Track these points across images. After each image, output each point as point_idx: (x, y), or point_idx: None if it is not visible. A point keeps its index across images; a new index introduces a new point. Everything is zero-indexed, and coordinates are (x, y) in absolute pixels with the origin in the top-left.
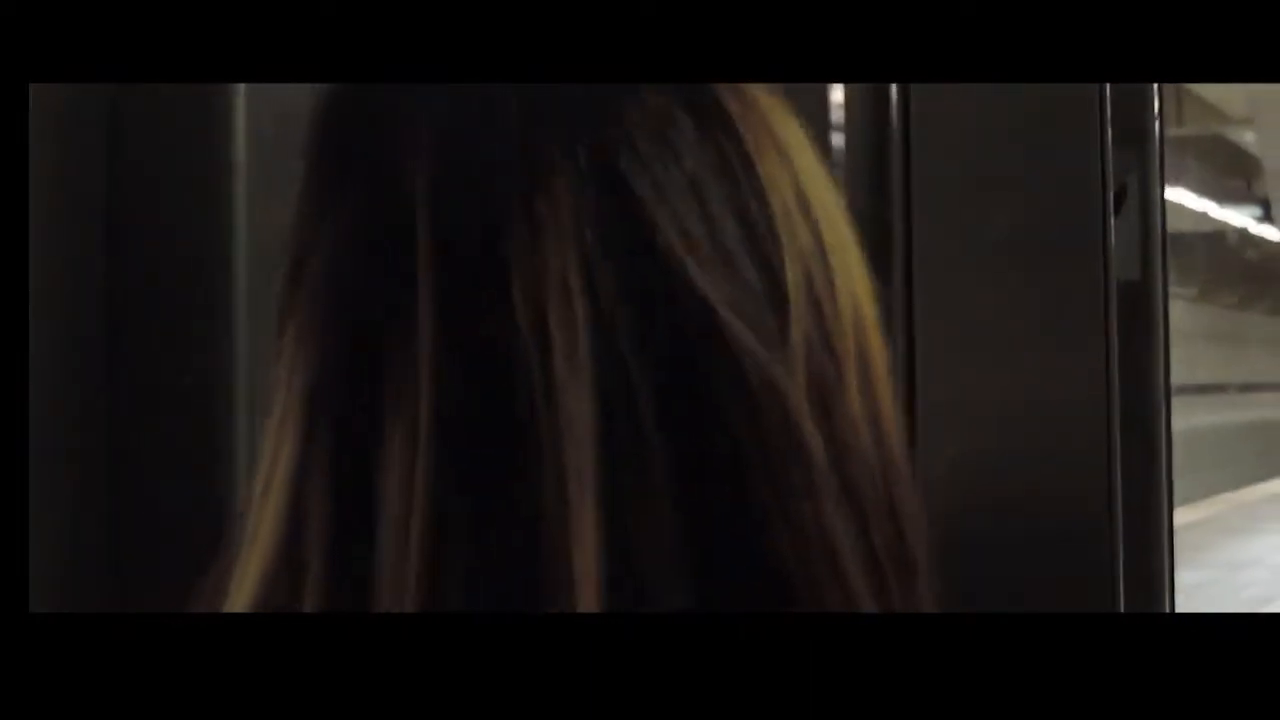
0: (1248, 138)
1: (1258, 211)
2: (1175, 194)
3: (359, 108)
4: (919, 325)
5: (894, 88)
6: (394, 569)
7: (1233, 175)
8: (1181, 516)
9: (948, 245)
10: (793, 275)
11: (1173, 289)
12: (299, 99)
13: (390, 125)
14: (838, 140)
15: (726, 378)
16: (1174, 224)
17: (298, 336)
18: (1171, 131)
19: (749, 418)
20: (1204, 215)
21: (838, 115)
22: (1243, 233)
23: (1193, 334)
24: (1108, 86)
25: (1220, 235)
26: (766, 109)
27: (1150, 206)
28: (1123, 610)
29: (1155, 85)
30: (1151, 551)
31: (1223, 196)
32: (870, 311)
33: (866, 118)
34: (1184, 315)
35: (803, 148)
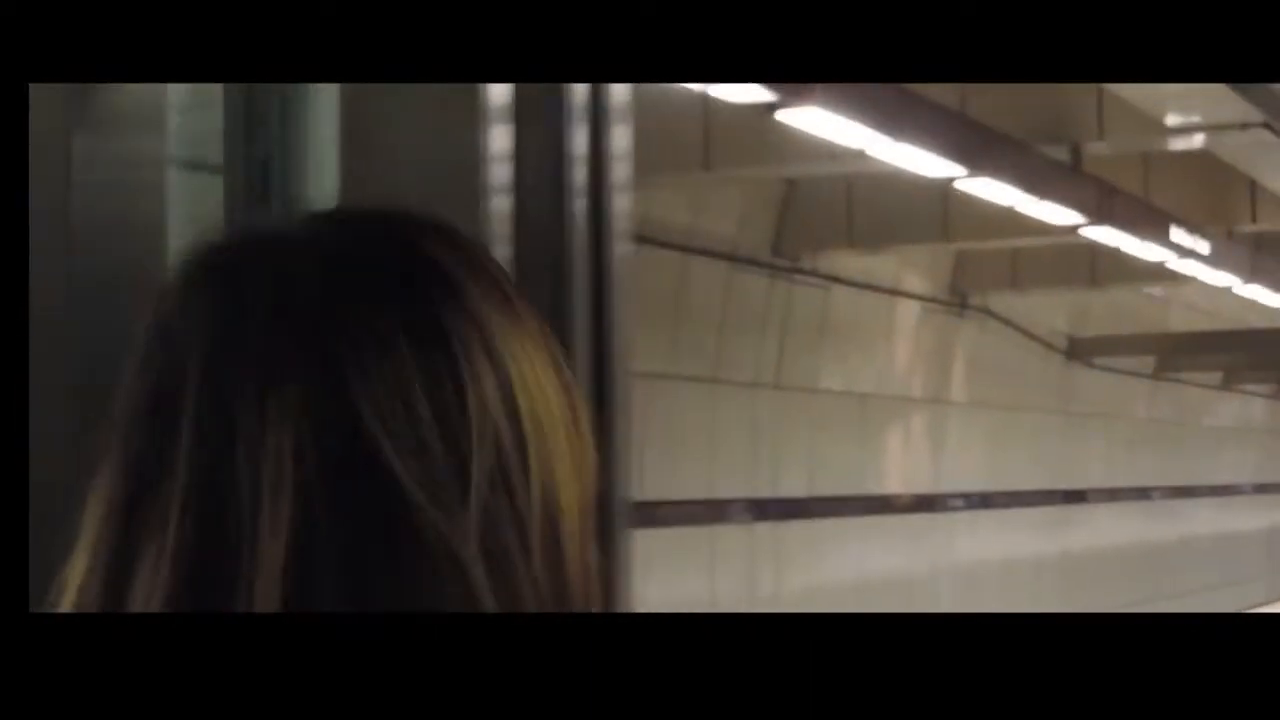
0: None
1: None
2: (1251, 291)
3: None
4: None
5: None
6: None
7: None
8: None
9: None
10: (479, 461)
11: (1252, 386)
12: None
13: (179, 328)
14: None
15: (409, 540)
16: (1252, 320)
17: (103, 468)
18: (1246, 228)
19: (427, 573)
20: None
21: None
22: None
23: (1273, 430)
24: None
25: None
26: (495, 332)
27: None
28: None
29: None
30: None
31: None
32: (567, 493)
33: None
34: (1263, 413)
35: (528, 361)
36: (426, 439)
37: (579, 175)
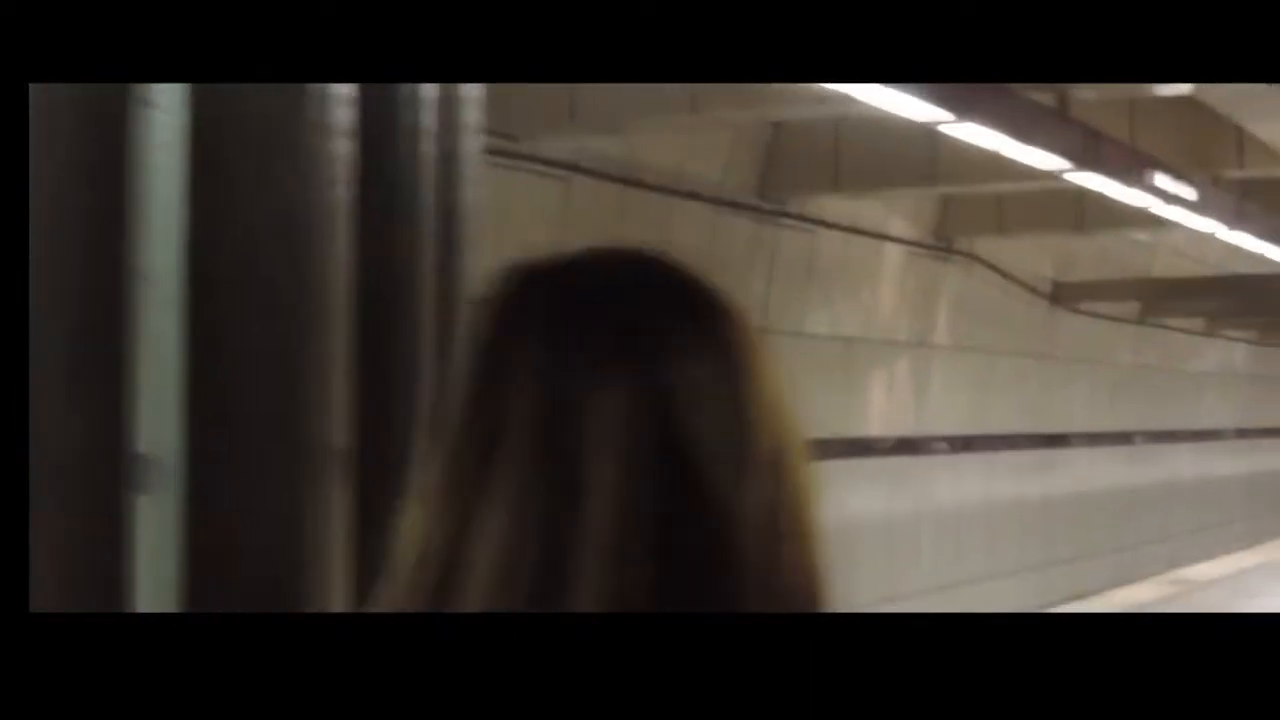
0: None
1: None
2: (1237, 237)
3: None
4: None
5: None
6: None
7: None
8: (1241, 561)
9: None
10: (753, 449)
11: (1232, 333)
12: None
13: (517, 328)
14: None
15: (698, 498)
16: (1235, 267)
17: (434, 442)
18: (1232, 174)
19: (707, 528)
20: (1263, 258)
21: None
22: None
23: (1255, 376)
24: None
25: None
26: (757, 353)
27: None
28: None
29: None
30: None
31: None
32: (810, 498)
33: None
34: (1245, 359)
35: (773, 377)
36: (718, 424)
37: (428, 119)
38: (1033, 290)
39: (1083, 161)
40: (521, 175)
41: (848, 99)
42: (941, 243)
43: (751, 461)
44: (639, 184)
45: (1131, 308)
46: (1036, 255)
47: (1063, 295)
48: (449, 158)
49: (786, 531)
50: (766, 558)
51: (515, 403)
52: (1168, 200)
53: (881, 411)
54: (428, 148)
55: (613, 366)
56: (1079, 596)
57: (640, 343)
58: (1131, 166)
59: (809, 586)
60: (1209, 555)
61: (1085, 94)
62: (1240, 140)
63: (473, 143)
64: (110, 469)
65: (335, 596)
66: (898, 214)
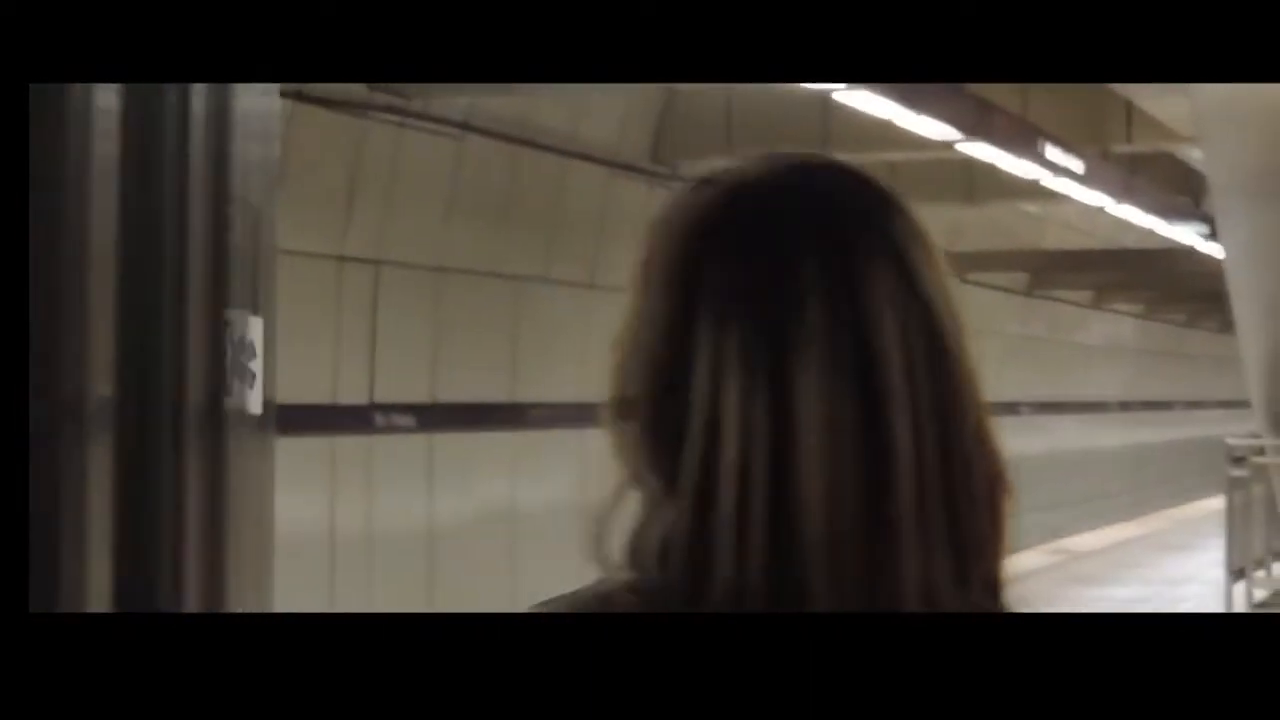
0: (1194, 155)
1: (1204, 229)
2: (1124, 211)
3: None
4: None
5: None
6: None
7: (1180, 192)
8: (1122, 532)
9: None
10: (949, 337)
11: (1120, 306)
12: None
13: (786, 226)
14: None
15: (949, 353)
16: (1123, 241)
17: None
18: (1120, 148)
19: (957, 372)
20: (1151, 233)
21: None
22: (1189, 250)
23: (1141, 350)
24: None
25: (1168, 252)
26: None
27: None
28: None
29: None
30: None
31: (1170, 214)
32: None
33: None
34: (1132, 332)
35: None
36: (941, 295)
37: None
38: None
39: (974, 132)
40: (413, 134)
41: None
42: None
43: (961, 323)
44: (532, 144)
45: (1020, 279)
46: (927, 224)
47: (952, 265)
48: (220, 113)
49: (980, 390)
50: (979, 408)
51: (803, 290)
52: (1057, 173)
53: None
54: (197, 102)
55: (874, 249)
56: None
57: (883, 231)
58: (1022, 138)
59: (996, 445)
60: (1092, 526)
61: None
62: (1129, 115)
63: (250, 98)
64: None
65: (96, 547)
66: None
